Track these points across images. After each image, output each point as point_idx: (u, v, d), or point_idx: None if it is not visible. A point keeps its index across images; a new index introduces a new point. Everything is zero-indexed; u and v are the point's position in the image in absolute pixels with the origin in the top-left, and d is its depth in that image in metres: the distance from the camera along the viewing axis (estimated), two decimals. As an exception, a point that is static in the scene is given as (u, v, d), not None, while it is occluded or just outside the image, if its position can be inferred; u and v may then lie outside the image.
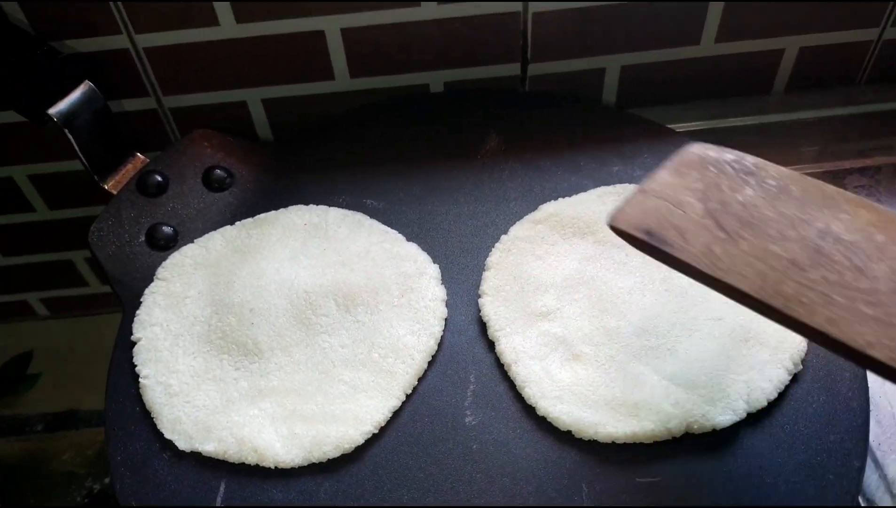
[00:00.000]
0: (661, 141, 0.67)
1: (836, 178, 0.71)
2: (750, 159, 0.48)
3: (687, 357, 0.52)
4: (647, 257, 0.51)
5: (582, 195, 0.63)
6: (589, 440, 0.50)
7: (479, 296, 0.58)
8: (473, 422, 0.52)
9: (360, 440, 0.51)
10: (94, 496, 0.71)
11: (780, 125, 0.75)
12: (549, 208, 0.63)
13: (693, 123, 0.74)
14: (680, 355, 0.53)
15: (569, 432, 0.51)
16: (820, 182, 0.47)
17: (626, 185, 0.64)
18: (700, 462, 0.49)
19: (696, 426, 0.50)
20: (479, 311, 0.57)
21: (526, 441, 0.51)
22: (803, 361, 0.53)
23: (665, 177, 0.47)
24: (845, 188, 0.69)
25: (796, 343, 0.53)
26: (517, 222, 0.62)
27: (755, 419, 0.51)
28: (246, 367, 0.55)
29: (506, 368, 0.54)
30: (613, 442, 0.50)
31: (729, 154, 0.48)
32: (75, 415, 0.76)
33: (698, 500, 0.49)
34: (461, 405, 0.53)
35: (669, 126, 0.69)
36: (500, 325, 0.56)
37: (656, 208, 0.45)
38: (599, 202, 0.62)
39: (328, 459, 0.50)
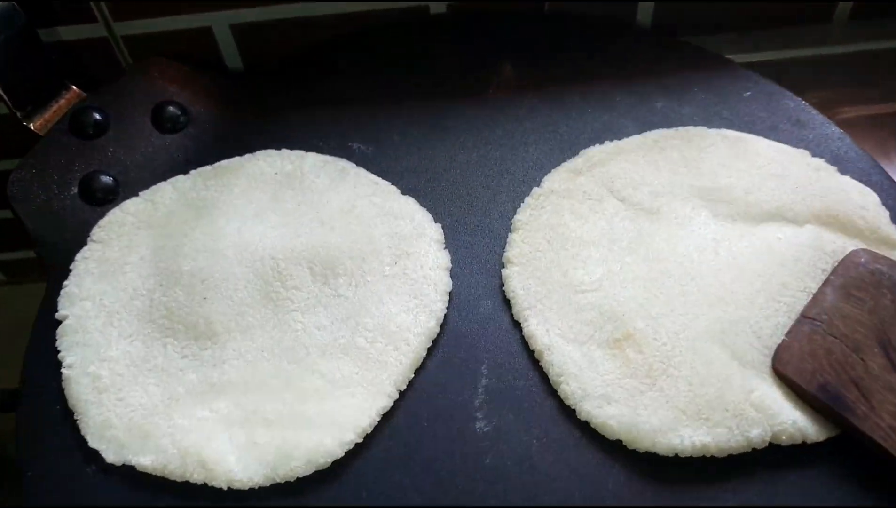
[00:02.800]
0: (714, 72, 0.60)
1: (907, 119, 0.64)
2: None
3: (772, 342, 0.43)
4: (722, 210, 0.50)
5: (634, 139, 0.55)
6: (644, 453, 0.42)
7: (503, 265, 0.50)
8: (486, 428, 0.44)
9: (340, 453, 0.43)
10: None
11: (843, 57, 0.68)
12: (592, 155, 0.54)
13: (743, 55, 0.67)
14: (766, 334, 0.44)
15: (619, 441, 0.42)
16: None
17: (690, 128, 0.55)
18: (785, 483, 0.41)
19: (783, 437, 0.41)
20: (502, 284, 0.49)
21: (556, 455, 0.43)
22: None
23: (833, 301, 0.43)
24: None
25: None
26: (553, 171, 0.54)
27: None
28: (196, 354, 0.46)
29: (537, 356, 0.46)
30: (676, 455, 0.41)
31: None
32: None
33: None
34: (470, 405, 0.45)
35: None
36: (529, 302, 0.48)
37: (829, 350, 0.42)
38: (657, 149, 0.54)
39: (297, 477, 0.42)
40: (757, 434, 0.41)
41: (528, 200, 0.53)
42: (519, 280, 0.49)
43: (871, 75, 0.67)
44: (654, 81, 0.59)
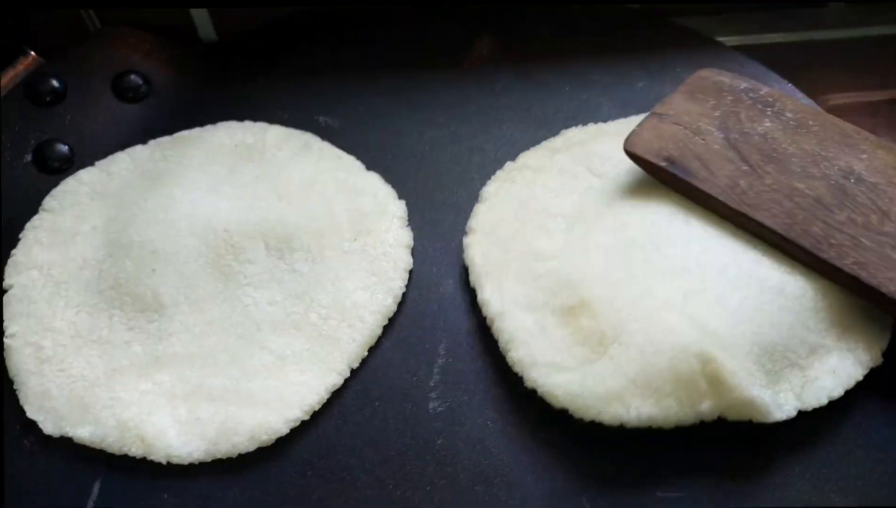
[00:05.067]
0: (698, 53, 0.58)
1: (905, 107, 0.62)
2: (765, 90, 0.48)
3: (738, 314, 0.40)
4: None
5: (617, 122, 0.52)
6: (590, 422, 0.40)
7: (466, 233, 0.48)
8: (440, 409, 0.42)
9: (285, 430, 0.40)
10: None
11: (839, 43, 0.65)
12: (572, 136, 0.52)
13: (733, 38, 0.65)
14: (729, 309, 0.41)
15: (565, 410, 0.40)
16: (836, 119, 0.47)
17: None
18: (734, 463, 0.39)
19: (732, 413, 0.39)
20: (463, 254, 0.47)
21: (509, 436, 0.41)
22: (884, 353, 0.41)
23: (680, 101, 0.48)
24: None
25: (876, 330, 0.41)
26: (531, 148, 0.52)
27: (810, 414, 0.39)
28: (142, 327, 0.44)
29: (488, 323, 0.44)
30: (622, 426, 0.39)
31: (744, 82, 0.49)
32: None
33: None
34: (425, 385, 0.43)
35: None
36: (486, 268, 0.45)
37: (675, 134, 0.45)
38: None
39: (239, 454, 0.40)
40: (707, 408, 0.38)
41: (499, 173, 0.50)
42: (479, 248, 0.46)
43: (866, 61, 0.65)
44: (635, 61, 0.57)
